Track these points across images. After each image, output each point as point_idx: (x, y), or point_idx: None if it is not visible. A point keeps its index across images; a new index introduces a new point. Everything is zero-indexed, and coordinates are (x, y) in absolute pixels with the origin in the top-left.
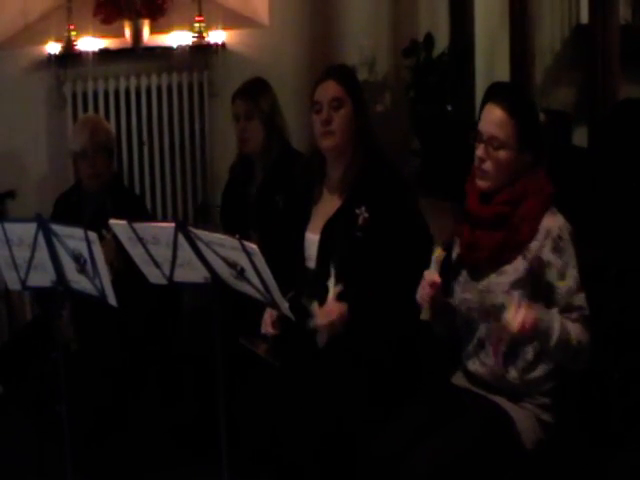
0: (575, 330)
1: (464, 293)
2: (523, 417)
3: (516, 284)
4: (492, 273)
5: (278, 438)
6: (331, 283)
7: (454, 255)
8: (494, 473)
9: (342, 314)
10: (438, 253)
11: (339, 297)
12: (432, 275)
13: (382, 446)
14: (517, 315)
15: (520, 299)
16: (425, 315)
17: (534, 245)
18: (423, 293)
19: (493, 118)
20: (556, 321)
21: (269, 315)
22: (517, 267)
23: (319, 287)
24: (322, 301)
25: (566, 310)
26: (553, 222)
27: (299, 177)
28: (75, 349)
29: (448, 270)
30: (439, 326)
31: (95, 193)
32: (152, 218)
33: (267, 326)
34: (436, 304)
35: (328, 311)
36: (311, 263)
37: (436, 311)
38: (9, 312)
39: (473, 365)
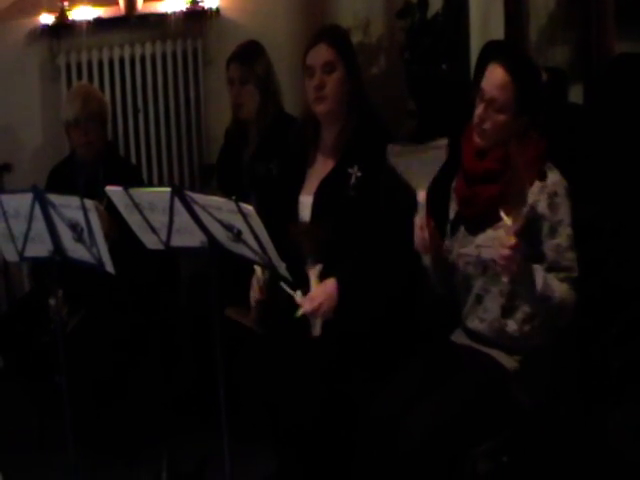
0: (560, 288)
1: (462, 248)
2: (522, 373)
3: None
4: (489, 228)
5: (277, 403)
6: (310, 268)
7: (451, 212)
8: (492, 431)
9: (329, 294)
10: (421, 195)
11: (321, 277)
12: (422, 218)
13: (380, 407)
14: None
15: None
16: (427, 260)
17: (529, 199)
18: (419, 239)
19: (496, 79)
20: (539, 275)
21: (256, 281)
22: None
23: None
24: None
25: (553, 268)
26: (549, 178)
27: (293, 142)
28: (72, 327)
29: (435, 209)
30: (439, 282)
31: (88, 163)
32: (147, 186)
33: (254, 292)
34: (434, 246)
35: (313, 296)
36: None
37: (435, 254)
38: (7, 284)
39: (472, 323)
